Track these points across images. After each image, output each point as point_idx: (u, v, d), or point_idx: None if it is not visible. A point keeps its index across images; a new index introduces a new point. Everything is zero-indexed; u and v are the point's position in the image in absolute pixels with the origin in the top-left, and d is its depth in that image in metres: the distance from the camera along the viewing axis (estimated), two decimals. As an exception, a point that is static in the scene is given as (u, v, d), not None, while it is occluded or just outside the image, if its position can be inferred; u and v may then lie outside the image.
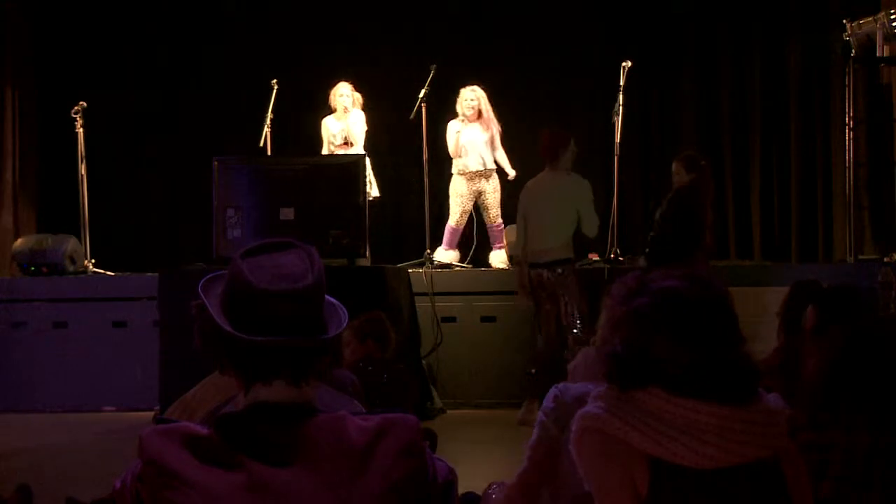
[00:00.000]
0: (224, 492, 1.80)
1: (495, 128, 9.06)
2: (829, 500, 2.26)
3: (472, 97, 9.00)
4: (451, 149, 9.04)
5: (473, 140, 9.00)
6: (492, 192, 9.07)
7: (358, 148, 9.09)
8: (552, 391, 2.89)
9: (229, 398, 2.39)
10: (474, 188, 9.10)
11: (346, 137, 9.16)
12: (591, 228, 7.28)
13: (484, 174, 9.06)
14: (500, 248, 9.17)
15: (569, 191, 7.26)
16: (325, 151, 9.25)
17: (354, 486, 1.83)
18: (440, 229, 9.30)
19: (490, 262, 9.21)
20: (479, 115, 9.01)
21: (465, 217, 9.18)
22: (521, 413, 7.00)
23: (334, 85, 9.32)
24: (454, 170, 9.13)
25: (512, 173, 9.13)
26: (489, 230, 9.20)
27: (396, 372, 5.52)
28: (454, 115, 9.12)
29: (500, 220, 9.12)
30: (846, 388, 2.38)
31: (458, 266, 9.08)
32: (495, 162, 9.09)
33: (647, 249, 7.09)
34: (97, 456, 6.43)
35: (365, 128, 9.25)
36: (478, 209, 9.20)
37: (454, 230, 9.18)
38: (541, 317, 7.36)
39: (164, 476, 1.80)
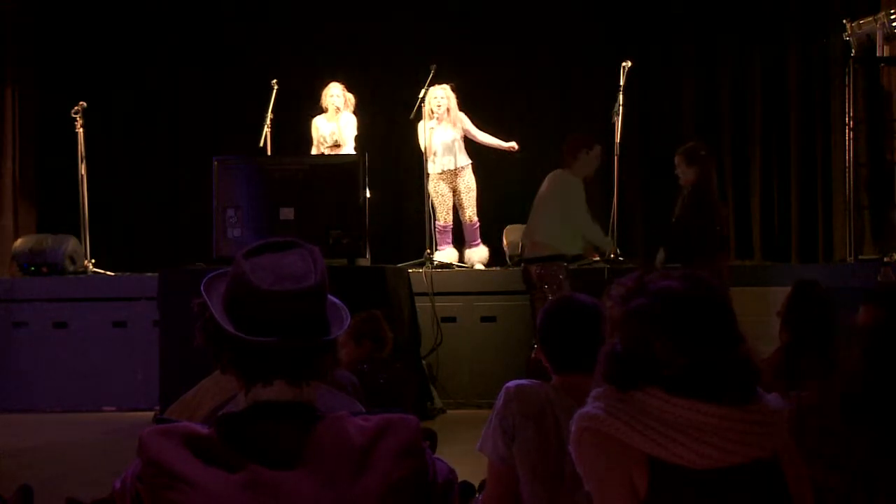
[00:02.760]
0: (224, 492, 1.79)
1: (466, 123, 9.09)
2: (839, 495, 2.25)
3: (442, 95, 9.02)
4: (422, 146, 9.08)
5: (444, 140, 9.05)
6: (465, 191, 9.10)
7: (347, 150, 9.11)
8: (501, 392, 2.92)
9: (230, 398, 2.39)
10: (450, 186, 9.15)
11: (336, 139, 9.17)
12: (585, 230, 7.24)
13: (456, 173, 9.10)
14: (476, 245, 9.18)
15: (553, 188, 7.27)
16: (314, 152, 9.26)
17: (354, 486, 1.83)
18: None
19: (466, 260, 9.19)
20: (448, 113, 9.04)
21: (451, 214, 9.23)
22: None
23: (326, 85, 9.34)
24: (431, 171, 9.15)
25: (509, 144, 9.14)
26: (464, 228, 9.23)
27: (394, 372, 5.52)
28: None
29: (475, 219, 9.16)
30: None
31: (458, 266, 9.08)
32: (490, 148, 9.15)
33: (667, 245, 7.07)
34: (97, 456, 6.43)
35: (355, 132, 9.27)
36: (457, 209, 9.23)
37: (443, 228, 9.23)
38: (535, 312, 7.35)
39: (163, 476, 1.80)
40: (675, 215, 7.14)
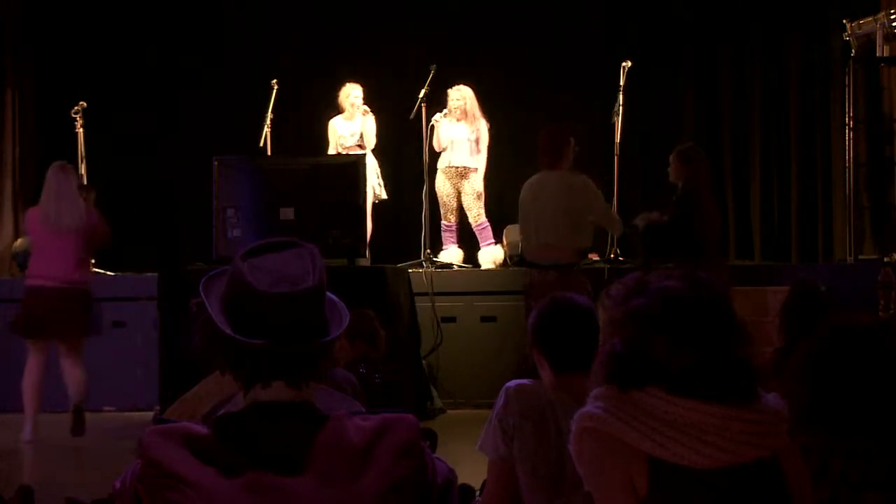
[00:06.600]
0: (223, 492, 1.79)
1: (481, 130, 9.07)
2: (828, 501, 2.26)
3: (457, 97, 9.09)
4: (433, 142, 9.10)
5: (457, 138, 9.05)
6: (470, 192, 9.09)
7: (370, 150, 9.14)
8: (501, 392, 2.93)
9: (228, 396, 2.39)
10: (455, 186, 9.13)
11: (358, 140, 9.18)
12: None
13: (462, 172, 9.09)
14: (486, 245, 9.16)
15: (580, 196, 7.28)
16: (332, 153, 9.25)
17: (354, 486, 1.83)
18: (440, 229, 9.31)
19: (479, 261, 9.19)
20: (465, 114, 9.05)
21: (455, 214, 9.20)
22: None
23: (342, 85, 9.33)
24: (438, 165, 9.16)
25: (479, 177, 9.11)
26: (474, 230, 9.22)
27: (389, 371, 5.52)
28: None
29: (482, 220, 9.14)
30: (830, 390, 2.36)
31: (458, 266, 9.08)
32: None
33: (645, 244, 7.11)
34: (97, 456, 6.43)
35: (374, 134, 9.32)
36: (463, 211, 9.23)
37: (448, 227, 9.22)
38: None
39: (163, 476, 1.80)
40: (662, 212, 7.17)
